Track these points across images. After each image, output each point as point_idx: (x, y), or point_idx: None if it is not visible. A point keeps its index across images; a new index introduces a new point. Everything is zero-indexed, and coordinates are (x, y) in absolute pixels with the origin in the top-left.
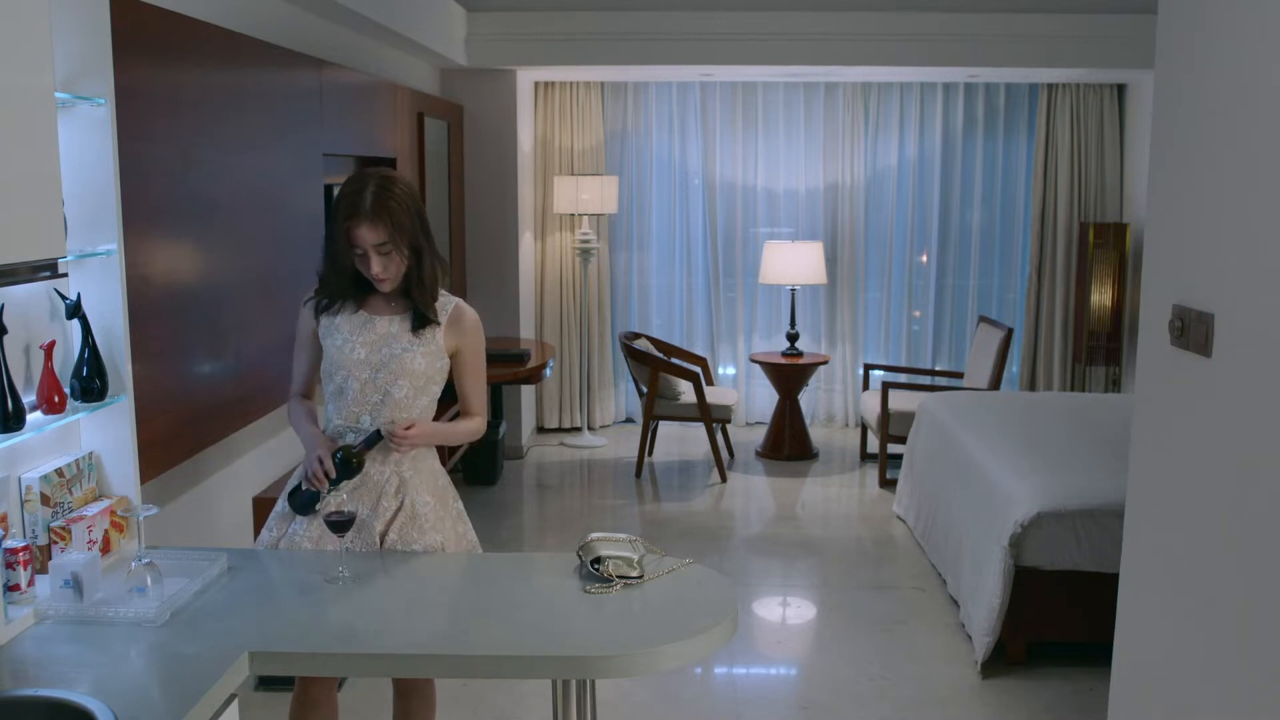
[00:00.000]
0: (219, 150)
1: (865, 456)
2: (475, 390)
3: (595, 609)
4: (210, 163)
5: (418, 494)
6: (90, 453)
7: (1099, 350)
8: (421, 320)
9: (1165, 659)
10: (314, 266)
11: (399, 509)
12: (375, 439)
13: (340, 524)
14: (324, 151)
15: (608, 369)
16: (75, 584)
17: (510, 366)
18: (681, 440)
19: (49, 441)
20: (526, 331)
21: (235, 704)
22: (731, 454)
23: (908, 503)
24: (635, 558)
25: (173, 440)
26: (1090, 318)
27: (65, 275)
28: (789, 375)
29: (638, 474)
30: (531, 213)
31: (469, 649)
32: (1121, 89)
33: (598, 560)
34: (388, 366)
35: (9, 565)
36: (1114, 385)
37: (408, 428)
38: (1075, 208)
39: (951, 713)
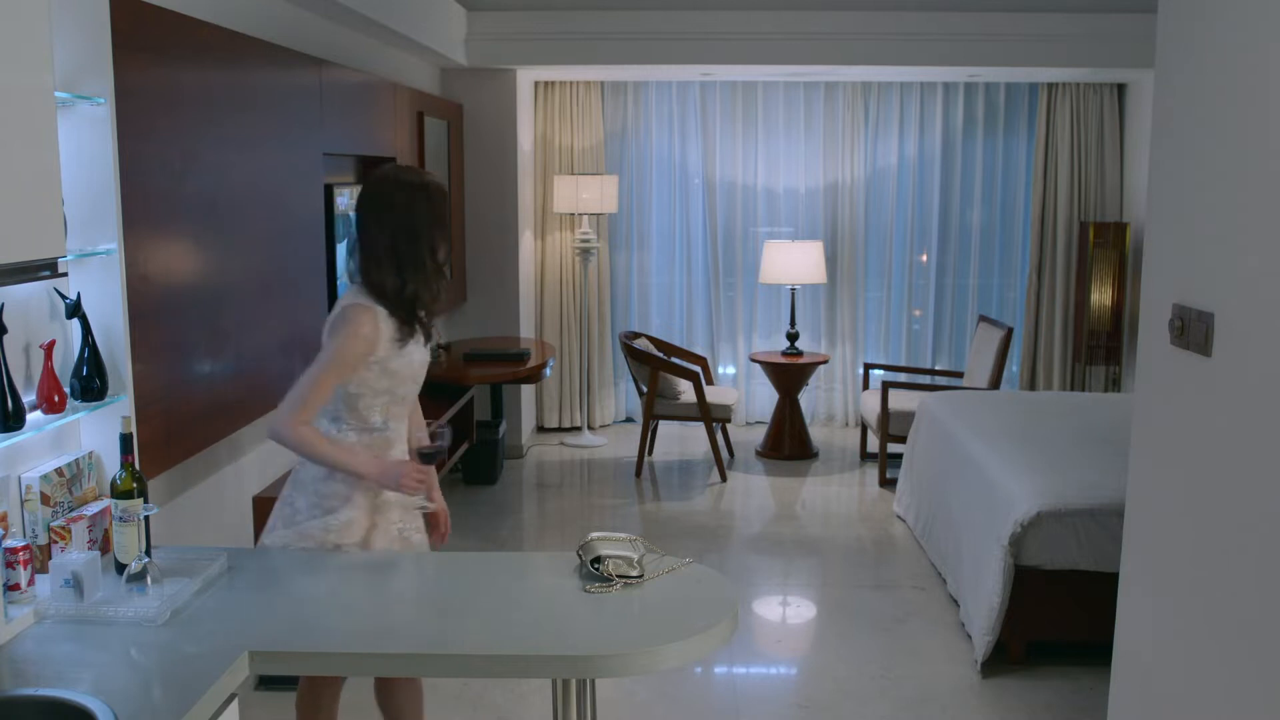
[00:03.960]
0: (219, 150)
1: (865, 456)
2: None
3: (595, 608)
4: (210, 163)
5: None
6: (90, 452)
7: (1099, 350)
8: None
9: (1165, 659)
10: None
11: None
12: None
13: (430, 455)
14: (324, 151)
15: (608, 368)
16: (75, 583)
17: (510, 366)
18: (681, 440)
19: (49, 441)
20: (526, 331)
21: (235, 704)
22: (731, 453)
23: (908, 502)
24: (635, 557)
25: (173, 440)
26: (1090, 317)
27: (65, 275)
28: (789, 375)
29: (638, 473)
30: (531, 212)
31: (469, 649)
32: (1121, 89)
33: (598, 560)
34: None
35: (9, 565)
36: (1114, 385)
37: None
38: (1075, 207)
39: (951, 712)
